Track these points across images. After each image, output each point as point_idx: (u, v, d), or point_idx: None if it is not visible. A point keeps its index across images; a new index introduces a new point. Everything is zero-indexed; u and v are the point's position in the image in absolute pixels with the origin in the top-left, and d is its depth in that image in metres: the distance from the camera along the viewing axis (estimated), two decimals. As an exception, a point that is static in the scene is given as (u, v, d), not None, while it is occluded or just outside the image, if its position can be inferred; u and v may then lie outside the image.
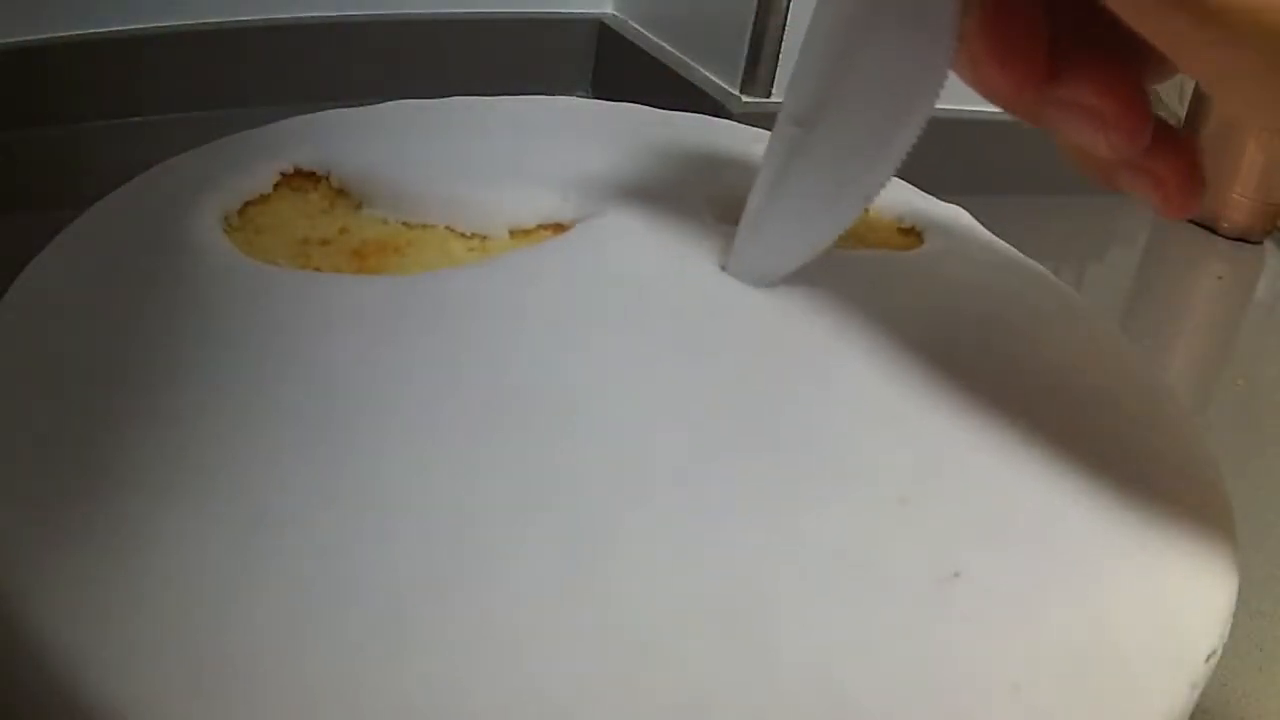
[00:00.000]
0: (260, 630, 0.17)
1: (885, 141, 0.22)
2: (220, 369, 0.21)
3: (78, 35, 0.48)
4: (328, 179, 0.29)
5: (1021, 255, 0.31)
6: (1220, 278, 0.59)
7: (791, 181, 0.24)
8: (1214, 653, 0.20)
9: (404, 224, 0.28)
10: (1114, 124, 0.20)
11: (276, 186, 0.29)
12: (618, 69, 0.59)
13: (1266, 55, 0.16)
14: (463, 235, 0.28)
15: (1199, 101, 0.68)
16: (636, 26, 0.59)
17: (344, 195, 0.29)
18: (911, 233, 0.31)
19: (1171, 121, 0.21)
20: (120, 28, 0.49)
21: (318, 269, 0.26)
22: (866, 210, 0.32)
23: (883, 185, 0.22)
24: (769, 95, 0.51)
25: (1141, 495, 0.22)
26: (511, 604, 0.17)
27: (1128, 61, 0.20)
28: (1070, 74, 0.20)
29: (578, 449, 0.20)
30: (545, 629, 0.17)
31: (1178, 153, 0.21)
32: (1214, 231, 0.62)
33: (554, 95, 0.38)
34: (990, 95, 0.21)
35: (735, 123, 0.38)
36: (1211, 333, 0.54)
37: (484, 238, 0.28)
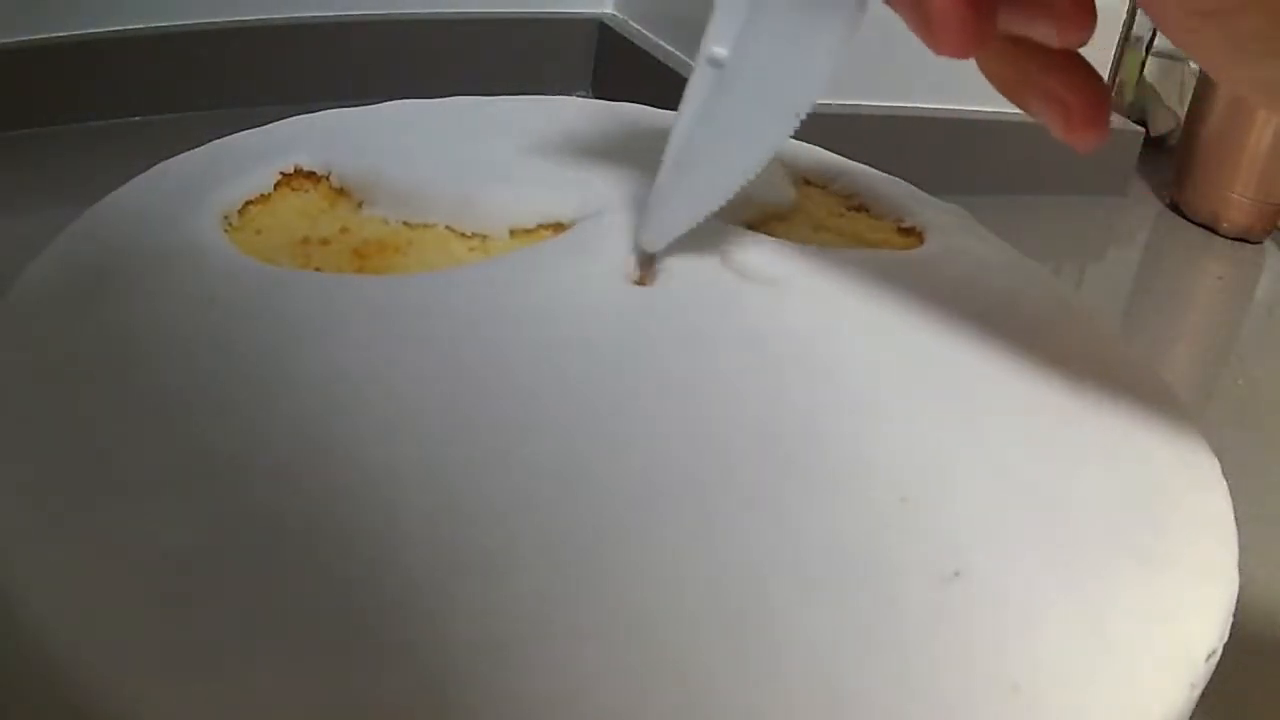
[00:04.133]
0: (260, 629, 0.17)
1: (798, 80, 0.22)
2: (220, 368, 0.21)
3: (78, 35, 0.48)
4: (328, 179, 0.29)
5: (1021, 255, 0.31)
6: (1220, 278, 0.59)
7: (711, 122, 0.24)
8: (1214, 653, 0.20)
9: (404, 224, 0.28)
10: (1070, 19, 0.20)
11: (277, 186, 0.29)
12: (618, 69, 0.59)
13: None
14: (463, 235, 0.28)
15: (1199, 102, 0.68)
16: (636, 26, 0.59)
17: (344, 195, 0.29)
18: (911, 233, 0.31)
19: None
20: (120, 28, 0.49)
21: (318, 269, 0.26)
22: (866, 210, 0.32)
23: (795, 126, 0.23)
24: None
25: (1141, 495, 0.22)
26: (511, 603, 0.17)
27: None
28: None
29: (579, 448, 0.20)
30: (545, 629, 0.17)
31: (1085, 81, 0.21)
32: (1214, 231, 0.62)
33: (554, 95, 0.38)
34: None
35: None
36: (1211, 333, 0.54)
37: (484, 237, 0.28)
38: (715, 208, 0.25)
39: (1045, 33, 0.21)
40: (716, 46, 0.23)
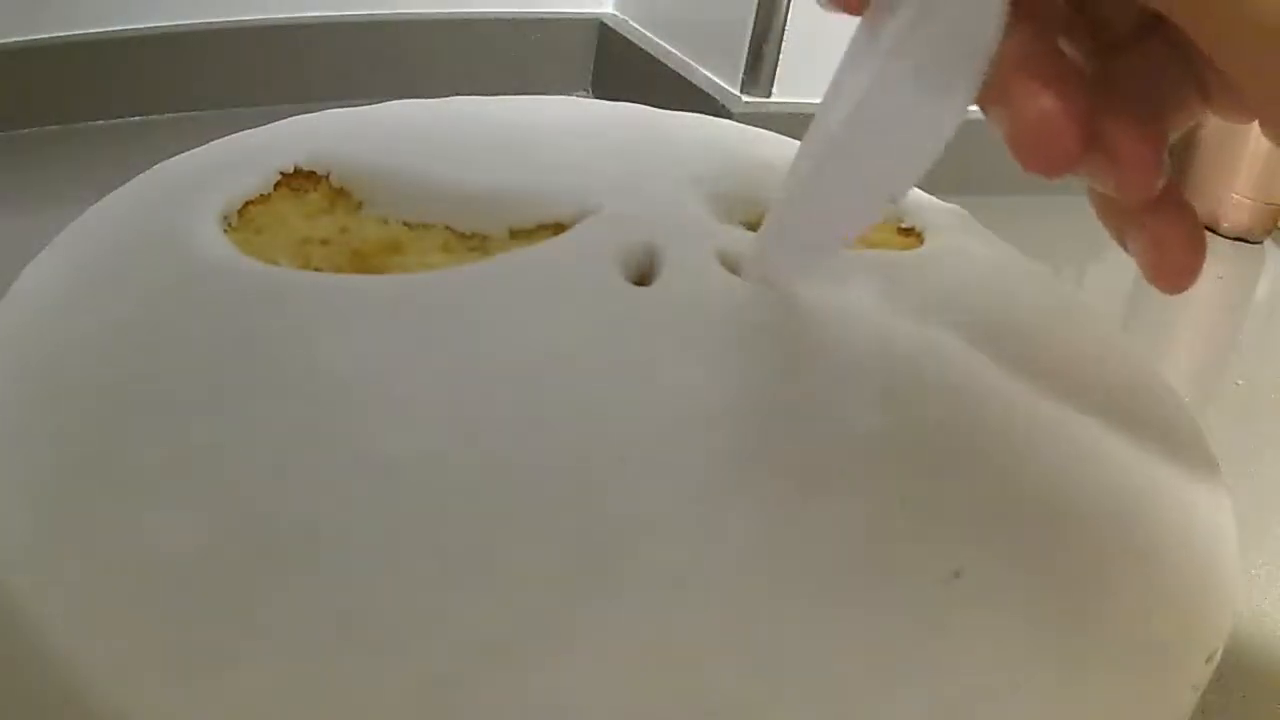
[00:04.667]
0: (262, 631, 0.17)
1: (909, 157, 0.22)
2: (220, 369, 0.21)
3: (78, 35, 0.48)
4: (328, 179, 0.29)
5: (1021, 255, 0.31)
6: (1220, 278, 0.59)
7: (824, 179, 0.24)
8: (1214, 653, 0.20)
9: (404, 224, 0.28)
10: (1127, 162, 0.20)
11: (276, 186, 0.29)
12: (618, 69, 0.59)
13: None
14: (463, 235, 0.28)
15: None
16: (636, 26, 0.59)
17: (344, 195, 0.29)
18: (911, 233, 0.31)
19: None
20: (120, 28, 0.49)
21: (318, 269, 0.26)
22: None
23: (906, 192, 0.23)
24: (769, 95, 0.51)
25: (1142, 495, 0.22)
26: (511, 607, 0.17)
27: (1147, 107, 0.20)
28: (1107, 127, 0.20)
29: (579, 448, 0.20)
30: (546, 629, 0.17)
31: (1187, 228, 0.21)
32: (1214, 231, 0.62)
33: (554, 95, 0.38)
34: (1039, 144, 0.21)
35: (735, 123, 0.38)
36: (1211, 333, 0.54)
37: (484, 237, 0.28)
38: (807, 271, 0.25)
39: (1105, 182, 0.21)
40: (833, 119, 0.23)
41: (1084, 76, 0.21)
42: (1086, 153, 0.20)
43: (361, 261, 0.26)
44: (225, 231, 0.26)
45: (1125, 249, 0.22)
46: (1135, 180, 0.20)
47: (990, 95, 0.20)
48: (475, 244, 0.28)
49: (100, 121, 0.49)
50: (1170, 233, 0.21)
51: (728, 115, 0.49)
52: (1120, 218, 0.22)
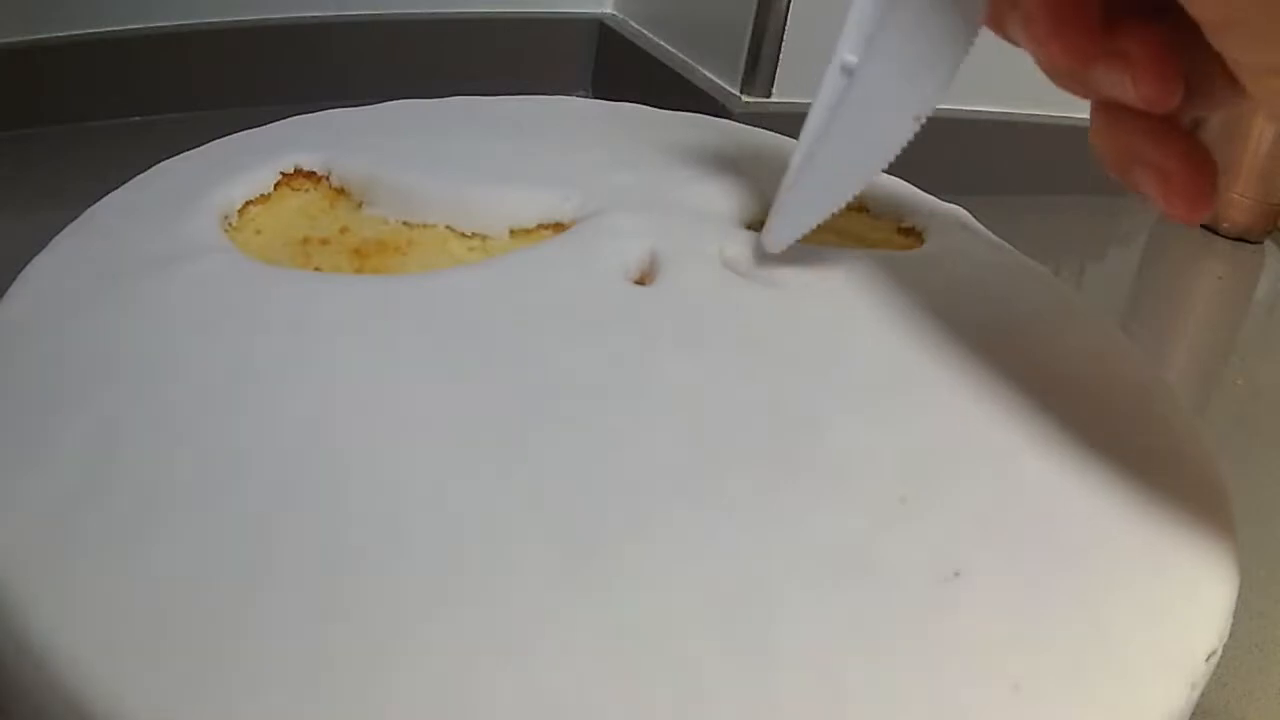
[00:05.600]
0: (262, 634, 0.17)
1: (920, 88, 0.23)
2: (221, 369, 0.21)
3: (78, 35, 0.48)
4: (328, 179, 0.29)
5: (1021, 255, 0.31)
6: (1220, 278, 0.59)
7: (837, 126, 0.25)
8: (1214, 653, 0.20)
9: (404, 223, 0.28)
10: (1144, 70, 0.20)
11: (277, 186, 0.29)
12: (618, 69, 0.59)
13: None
14: (463, 235, 0.28)
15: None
16: (636, 26, 0.59)
17: (344, 195, 0.29)
18: (911, 233, 0.31)
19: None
20: (120, 28, 0.49)
21: (318, 268, 0.26)
22: (866, 210, 0.32)
23: (916, 129, 0.24)
24: (769, 95, 0.51)
25: (1141, 495, 0.22)
26: (512, 604, 0.17)
27: (1168, 25, 0.20)
28: (1114, 28, 0.20)
29: (578, 448, 0.20)
30: (546, 629, 0.17)
31: (1191, 154, 0.21)
32: (1214, 231, 0.62)
33: (554, 95, 0.38)
34: (1042, 58, 0.21)
35: (735, 122, 0.38)
36: (1211, 333, 0.54)
37: (484, 237, 0.28)
38: (836, 209, 0.25)
39: (1119, 82, 0.21)
40: (848, 54, 0.24)
41: None
42: (1103, 57, 0.20)
43: (361, 261, 0.26)
44: (225, 231, 0.26)
45: (1135, 189, 0.22)
46: (1152, 85, 0.20)
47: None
48: (475, 244, 0.28)
49: (100, 121, 0.49)
50: (1178, 161, 0.21)
51: (728, 115, 0.49)
52: (1126, 155, 0.22)
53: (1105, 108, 0.22)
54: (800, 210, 0.26)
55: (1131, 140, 0.21)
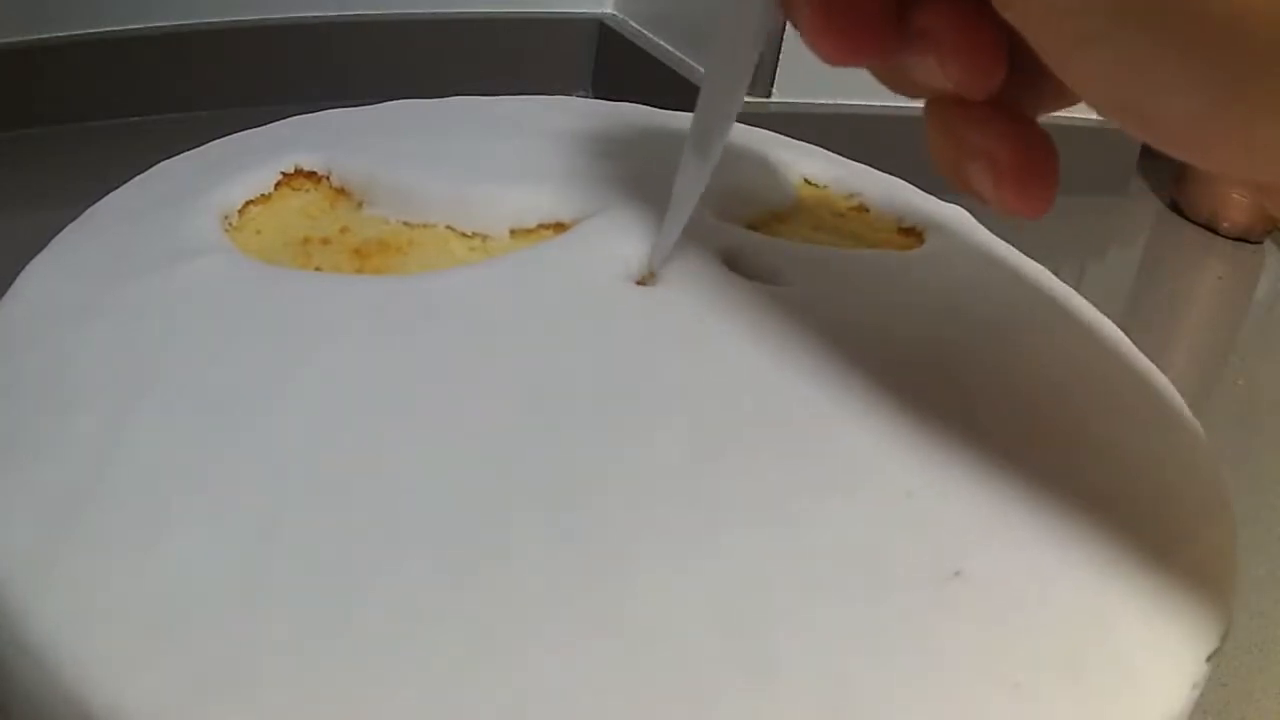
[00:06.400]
0: (264, 635, 0.17)
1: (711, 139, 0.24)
2: (221, 369, 0.21)
3: (78, 35, 0.48)
4: (328, 179, 0.29)
5: (1021, 255, 0.31)
6: (1220, 278, 0.59)
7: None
8: (1214, 653, 0.20)
9: (405, 223, 0.28)
10: (950, 48, 0.17)
11: (277, 186, 0.29)
12: (618, 69, 0.59)
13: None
14: (463, 235, 0.28)
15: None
16: (636, 26, 0.59)
17: (344, 195, 0.29)
18: (911, 233, 0.31)
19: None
20: (120, 28, 0.49)
21: (318, 268, 0.26)
22: (866, 210, 0.32)
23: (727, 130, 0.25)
24: (769, 95, 0.51)
25: (1141, 495, 0.22)
26: (512, 604, 0.17)
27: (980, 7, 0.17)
28: (919, 11, 0.18)
29: (579, 448, 0.20)
30: (546, 629, 0.17)
31: (1026, 139, 0.18)
32: (1214, 231, 0.62)
33: (554, 95, 0.38)
34: (826, 58, 0.18)
35: (735, 122, 0.37)
36: (1211, 333, 0.54)
37: (484, 237, 0.28)
38: (686, 217, 0.26)
39: (927, 66, 0.18)
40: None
41: None
42: (902, 41, 0.17)
43: (361, 261, 0.26)
44: (226, 231, 0.26)
45: (965, 189, 0.19)
46: (961, 63, 0.17)
47: None
48: (475, 244, 0.28)
49: (100, 121, 0.49)
50: (1010, 148, 0.18)
51: (728, 115, 0.49)
52: (955, 149, 0.19)
53: (934, 106, 0.19)
54: (668, 228, 0.26)
55: (963, 133, 0.19)
